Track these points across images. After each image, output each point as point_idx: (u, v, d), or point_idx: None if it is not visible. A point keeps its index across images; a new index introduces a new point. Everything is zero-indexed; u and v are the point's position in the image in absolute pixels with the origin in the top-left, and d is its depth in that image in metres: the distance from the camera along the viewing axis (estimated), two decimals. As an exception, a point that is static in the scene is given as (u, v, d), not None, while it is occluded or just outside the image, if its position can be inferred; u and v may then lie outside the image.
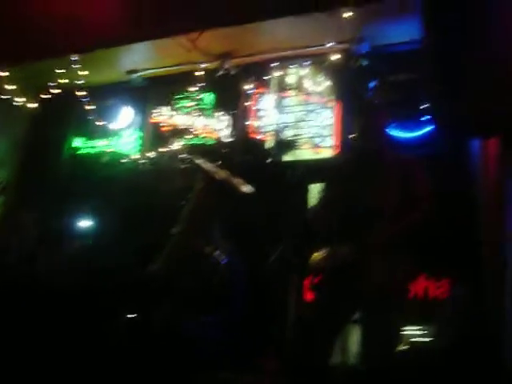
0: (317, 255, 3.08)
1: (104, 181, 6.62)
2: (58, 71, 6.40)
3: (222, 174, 3.46)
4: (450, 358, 3.67)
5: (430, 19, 2.89)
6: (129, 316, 3.82)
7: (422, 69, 3.08)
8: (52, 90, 6.63)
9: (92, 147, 7.22)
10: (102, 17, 5.58)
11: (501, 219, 3.57)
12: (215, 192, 3.44)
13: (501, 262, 3.34)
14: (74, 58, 6.25)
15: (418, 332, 4.32)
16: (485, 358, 3.46)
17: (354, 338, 3.98)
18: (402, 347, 3.91)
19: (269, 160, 6.05)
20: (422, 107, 3.11)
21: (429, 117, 2.96)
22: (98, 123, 6.94)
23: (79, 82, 6.62)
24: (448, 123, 2.95)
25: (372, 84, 5.75)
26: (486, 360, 3.43)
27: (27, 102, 6.77)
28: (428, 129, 5.25)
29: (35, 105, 6.84)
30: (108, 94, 7.10)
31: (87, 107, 6.80)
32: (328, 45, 5.83)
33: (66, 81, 6.53)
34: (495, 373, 3.29)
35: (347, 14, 5.15)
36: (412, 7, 3.95)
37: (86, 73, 6.48)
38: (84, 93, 6.72)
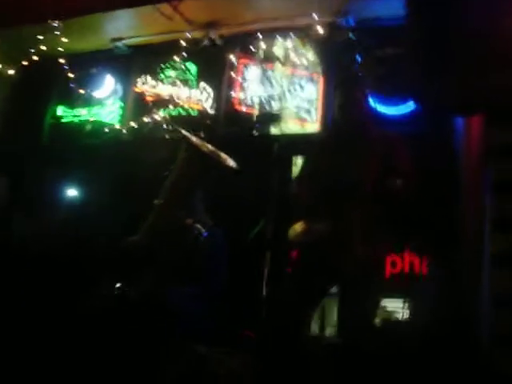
0: (295, 229, 3.08)
1: (86, 150, 6.57)
2: (39, 37, 6.29)
3: (207, 147, 3.43)
4: (425, 335, 3.71)
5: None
6: (109, 286, 3.82)
7: (405, 44, 3.04)
8: (33, 57, 6.51)
9: (74, 116, 7.11)
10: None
11: (481, 198, 3.58)
12: (199, 164, 3.41)
13: (480, 241, 3.35)
14: (56, 24, 6.11)
15: (401, 306, 4.36)
16: (461, 335, 3.51)
17: (333, 311, 4.02)
18: (378, 321, 3.94)
19: (253, 132, 6.02)
20: (406, 83, 3.09)
21: (412, 94, 2.94)
22: (80, 91, 6.84)
23: (61, 50, 6.51)
24: (430, 100, 2.93)
25: (358, 58, 5.71)
26: (462, 338, 3.47)
27: (7, 68, 6.65)
28: (412, 105, 5.24)
29: (15, 71, 6.72)
30: (91, 61, 6.98)
31: (69, 75, 6.70)
32: (314, 17, 5.77)
33: (48, 48, 6.42)
34: (470, 350, 3.33)
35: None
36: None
37: (67, 40, 6.37)
38: (66, 60, 6.62)
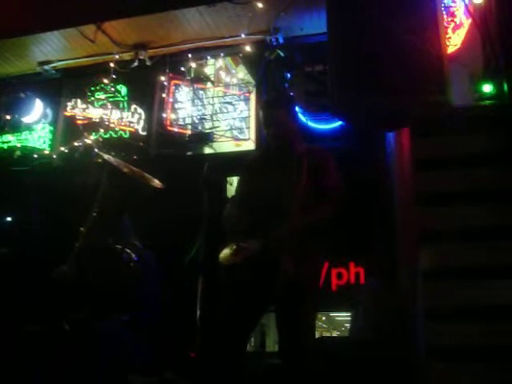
0: (226, 251, 3.03)
1: (15, 177, 6.37)
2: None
3: (128, 169, 3.36)
4: (363, 346, 3.72)
5: (332, 13, 2.89)
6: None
7: (328, 62, 3.06)
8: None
9: (2, 142, 6.89)
10: (3, 6, 5.32)
11: (414, 210, 3.62)
12: (121, 187, 3.33)
13: (414, 254, 3.39)
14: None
15: (349, 318, 4.37)
16: (398, 346, 3.52)
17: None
18: (317, 337, 3.93)
19: (186, 153, 5.97)
20: (331, 100, 3.11)
21: (336, 110, 2.96)
22: (8, 117, 6.65)
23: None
24: (354, 116, 2.96)
25: (287, 75, 5.76)
26: (399, 348, 3.48)
27: None
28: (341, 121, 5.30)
29: None
30: (19, 86, 6.80)
31: (-4, 100, 6.52)
32: (243, 35, 5.79)
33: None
34: (407, 364, 3.35)
35: (260, 5, 5.13)
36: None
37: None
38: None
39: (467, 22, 4.64)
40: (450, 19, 4.68)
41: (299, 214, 2.99)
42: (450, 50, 4.42)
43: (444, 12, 4.31)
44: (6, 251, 4.70)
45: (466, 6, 4.29)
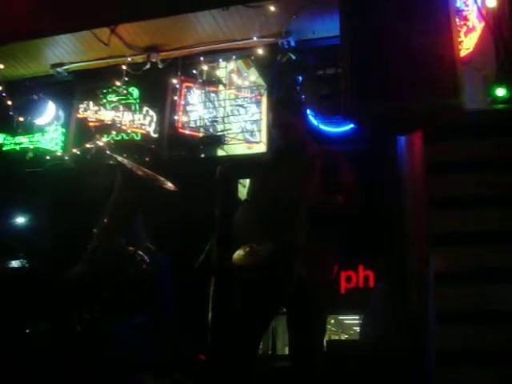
0: (239, 253, 3.04)
1: (27, 178, 6.40)
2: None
3: (141, 171, 3.36)
4: (373, 350, 3.71)
5: (344, 16, 2.88)
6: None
7: (340, 65, 3.07)
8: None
9: (15, 143, 6.94)
10: (19, 8, 5.36)
11: (426, 212, 3.62)
12: (134, 189, 3.34)
13: (425, 257, 3.38)
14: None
15: (358, 321, 4.35)
16: (408, 349, 3.51)
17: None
18: (328, 340, 3.93)
19: (198, 156, 5.99)
20: (342, 103, 3.11)
21: (347, 114, 2.96)
22: (21, 118, 6.70)
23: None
24: (364, 121, 2.96)
25: (299, 78, 5.77)
26: (409, 352, 3.47)
27: None
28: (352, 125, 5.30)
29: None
30: (32, 88, 6.85)
31: (9, 102, 6.55)
32: (255, 38, 5.81)
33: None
34: (418, 364, 3.34)
35: (272, 8, 5.14)
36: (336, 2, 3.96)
37: (5, 66, 6.26)
38: (5, 87, 6.48)
39: (480, 26, 4.62)
40: (462, 23, 4.68)
41: (313, 216, 2.99)
42: (463, 53, 4.40)
43: (456, 16, 4.31)
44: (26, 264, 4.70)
45: (479, 9, 4.28)
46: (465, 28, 4.68)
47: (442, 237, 3.22)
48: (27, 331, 3.72)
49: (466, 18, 4.72)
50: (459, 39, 4.25)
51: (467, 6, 4.75)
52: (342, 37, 2.86)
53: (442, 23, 2.94)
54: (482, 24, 4.50)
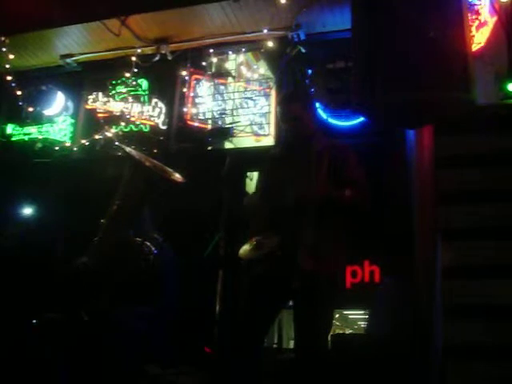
0: (246, 247, 3.04)
1: (36, 168, 6.43)
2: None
3: (150, 162, 3.37)
4: (381, 344, 3.71)
5: (356, 9, 2.87)
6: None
7: (351, 58, 3.05)
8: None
9: (24, 134, 6.96)
10: (29, -1, 5.38)
11: (434, 208, 3.60)
12: (143, 179, 3.35)
13: (432, 251, 3.37)
14: (2, 40, 6.00)
15: (363, 316, 4.35)
16: (415, 344, 3.51)
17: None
18: (334, 334, 3.93)
19: (206, 148, 5.98)
20: (353, 97, 3.10)
21: (358, 107, 2.94)
22: (30, 109, 6.72)
23: (9, 66, 6.39)
24: (376, 114, 2.94)
25: (309, 71, 5.75)
26: (417, 347, 3.47)
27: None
28: (363, 118, 5.28)
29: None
30: (41, 78, 6.87)
31: (18, 92, 6.57)
32: (265, 31, 5.79)
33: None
34: (425, 359, 3.33)
35: (282, 1, 5.12)
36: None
37: (15, 56, 6.28)
38: (15, 77, 6.50)
39: (492, 21, 4.59)
40: (474, 17, 4.64)
41: (321, 210, 2.98)
42: (474, 48, 4.38)
43: (468, 10, 4.28)
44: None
45: (492, 3, 4.25)
46: (477, 22, 4.65)
47: (451, 231, 3.20)
48: (34, 321, 3.73)
49: (477, 13, 4.69)
50: (471, 34, 4.22)
51: (479, 0, 4.72)
52: (354, 28, 2.85)
53: (454, 17, 2.92)
54: (495, 18, 4.46)
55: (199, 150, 5.95)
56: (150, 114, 6.37)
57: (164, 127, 6.36)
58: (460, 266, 3.15)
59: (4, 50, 6.18)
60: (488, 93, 3.73)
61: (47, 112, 6.76)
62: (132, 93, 6.48)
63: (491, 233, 3.17)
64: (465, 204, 3.27)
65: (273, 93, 6.01)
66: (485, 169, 3.25)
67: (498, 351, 2.93)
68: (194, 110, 6.24)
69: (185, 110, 6.27)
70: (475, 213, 3.21)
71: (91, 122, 6.67)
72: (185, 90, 6.33)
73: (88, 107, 6.70)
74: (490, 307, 3.00)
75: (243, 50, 6.16)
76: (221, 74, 6.28)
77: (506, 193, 3.23)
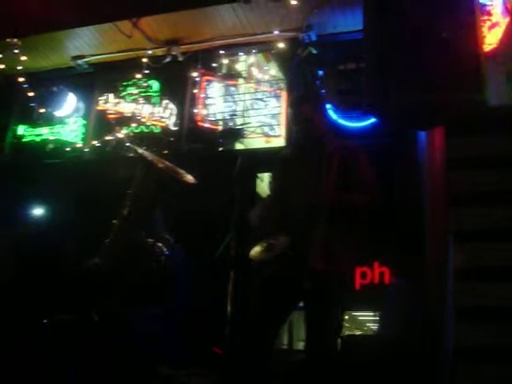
0: (256, 248, 3.04)
1: (48, 169, 6.46)
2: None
3: (162, 163, 3.38)
4: (391, 345, 3.70)
5: (368, 10, 2.87)
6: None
7: (363, 60, 3.05)
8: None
9: (36, 135, 6.99)
10: (41, 0, 5.40)
11: (445, 210, 3.59)
12: (155, 180, 3.36)
13: (444, 253, 3.35)
14: (14, 41, 6.04)
15: (372, 317, 4.33)
16: (427, 346, 3.50)
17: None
18: (345, 335, 3.92)
19: (217, 149, 5.99)
20: (364, 98, 3.10)
21: (369, 108, 2.94)
22: (41, 110, 6.76)
23: (21, 68, 6.43)
24: (387, 115, 2.94)
25: (320, 73, 5.74)
26: (428, 348, 3.46)
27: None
28: (374, 119, 5.26)
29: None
30: (53, 80, 6.90)
31: (30, 94, 6.61)
32: (276, 32, 5.79)
33: (7, 66, 6.37)
34: (436, 361, 3.32)
35: (293, 2, 5.12)
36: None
37: (27, 58, 6.33)
38: (27, 79, 6.54)
39: (504, 21, 4.57)
40: (486, 18, 4.62)
41: (332, 212, 2.98)
42: (486, 49, 4.36)
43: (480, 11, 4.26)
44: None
45: (504, 4, 4.23)
46: (489, 23, 4.63)
47: (463, 232, 3.19)
48: (45, 321, 3.75)
49: (489, 13, 4.67)
50: (483, 34, 4.21)
51: (491, 0, 4.70)
52: (366, 30, 2.85)
53: (466, 18, 2.92)
54: (507, 19, 4.44)
55: (210, 151, 5.95)
56: (161, 115, 6.38)
57: (175, 128, 6.37)
58: (472, 267, 3.14)
59: (16, 51, 6.21)
60: (500, 93, 3.71)
61: (58, 113, 6.80)
62: (143, 94, 6.50)
63: (504, 235, 3.15)
64: (477, 206, 3.25)
65: (283, 94, 6.01)
66: (497, 170, 3.23)
67: (509, 354, 2.91)
68: (204, 111, 6.26)
69: (195, 111, 6.28)
70: (488, 215, 3.20)
71: (102, 123, 6.69)
72: (195, 91, 6.34)
73: (99, 108, 6.73)
74: (502, 309, 2.98)
75: (254, 51, 6.16)
76: (231, 75, 6.29)
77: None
